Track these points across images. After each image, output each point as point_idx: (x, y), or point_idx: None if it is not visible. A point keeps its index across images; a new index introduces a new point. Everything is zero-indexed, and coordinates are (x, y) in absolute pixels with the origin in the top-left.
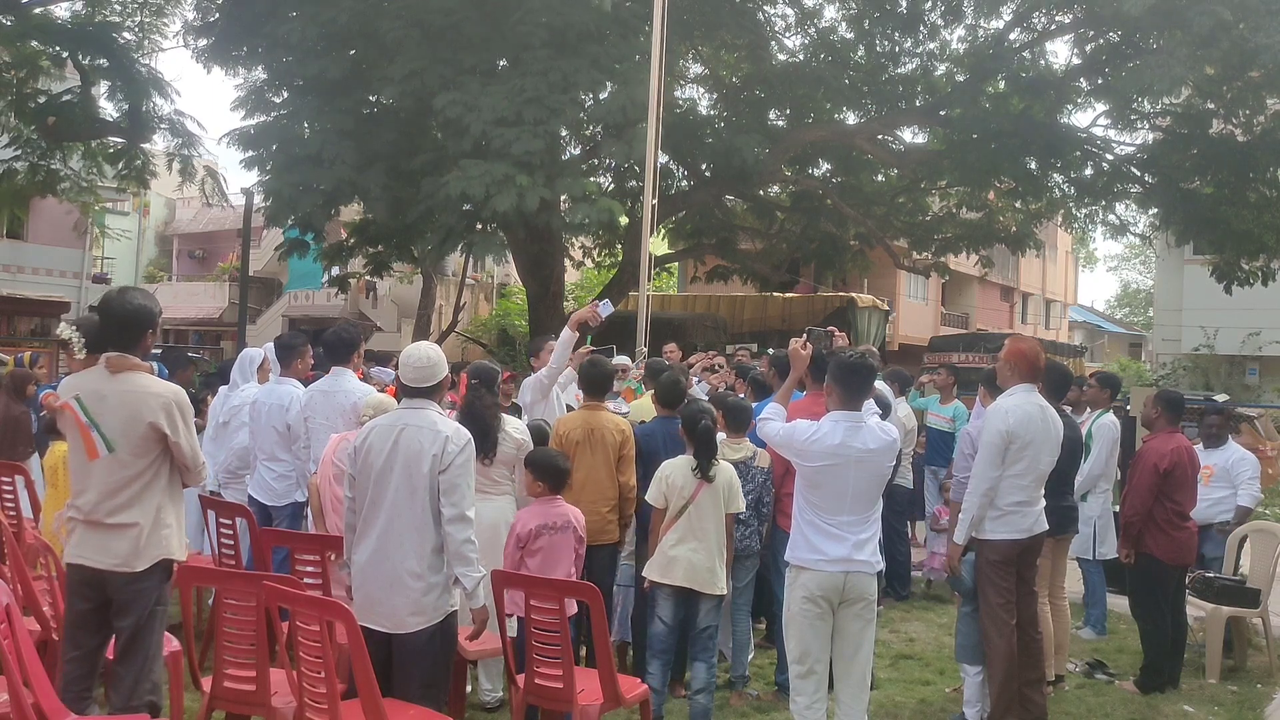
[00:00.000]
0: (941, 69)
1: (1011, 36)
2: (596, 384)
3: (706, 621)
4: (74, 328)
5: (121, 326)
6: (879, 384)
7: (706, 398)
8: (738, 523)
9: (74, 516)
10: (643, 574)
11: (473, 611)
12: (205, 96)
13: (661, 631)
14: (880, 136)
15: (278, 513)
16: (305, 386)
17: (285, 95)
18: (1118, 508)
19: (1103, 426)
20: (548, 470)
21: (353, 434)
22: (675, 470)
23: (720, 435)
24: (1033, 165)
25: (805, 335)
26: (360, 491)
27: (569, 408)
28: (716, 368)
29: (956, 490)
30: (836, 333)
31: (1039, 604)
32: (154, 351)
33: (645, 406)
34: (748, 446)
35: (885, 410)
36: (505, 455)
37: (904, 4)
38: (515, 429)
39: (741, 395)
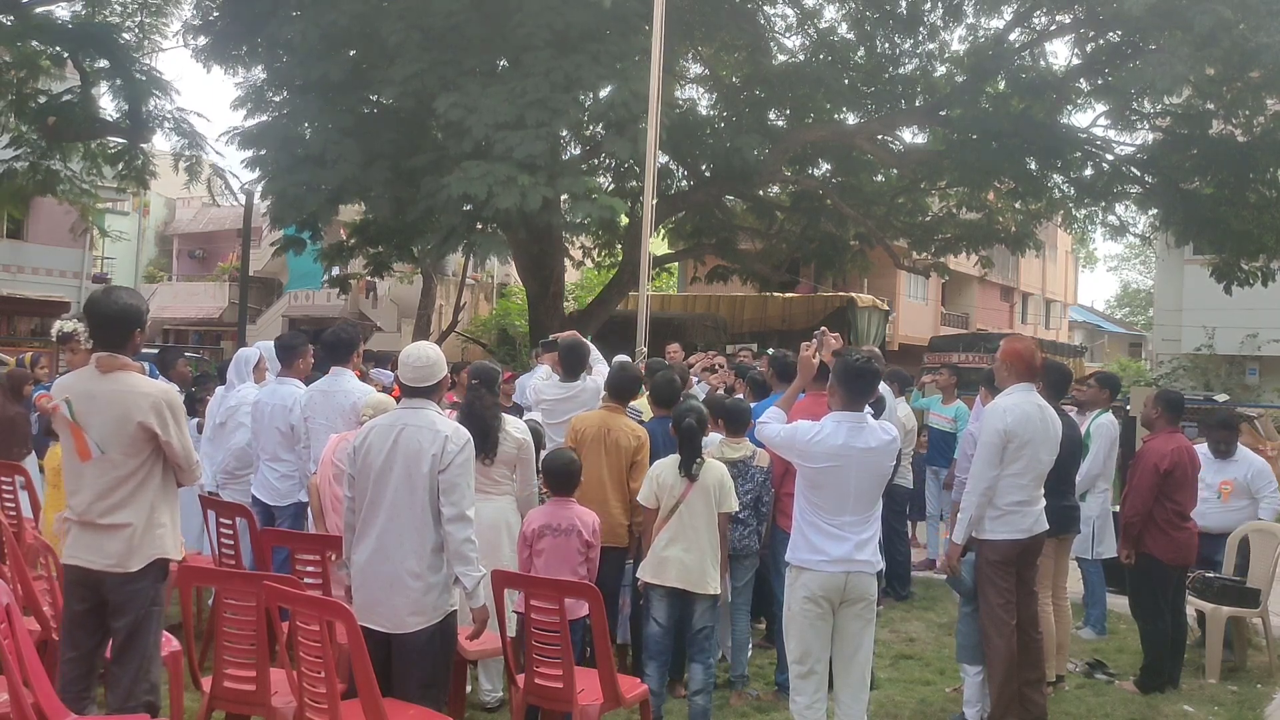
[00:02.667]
0: (941, 69)
1: (1011, 37)
2: (623, 388)
3: (702, 622)
4: (78, 320)
5: (108, 326)
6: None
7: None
8: (737, 522)
9: (69, 517)
10: (637, 575)
11: (473, 611)
12: (205, 97)
13: (657, 633)
14: (880, 137)
15: (281, 512)
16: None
17: (285, 95)
18: (1117, 508)
19: (1101, 426)
20: (550, 472)
21: (353, 434)
22: (665, 469)
23: (719, 436)
24: (1033, 165)
25: (814, 342)
26: (360, 491)
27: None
28: (716, 368)
29: (958, 490)
30: (828, 332)
31: (1042, 604)
32: (150, 351)
33: (643, 407)
34: (747, 446)
35: (879, 409)
36: (505, 455)
37: (904, 4)
38: (516, 429)
39: (740, 395)
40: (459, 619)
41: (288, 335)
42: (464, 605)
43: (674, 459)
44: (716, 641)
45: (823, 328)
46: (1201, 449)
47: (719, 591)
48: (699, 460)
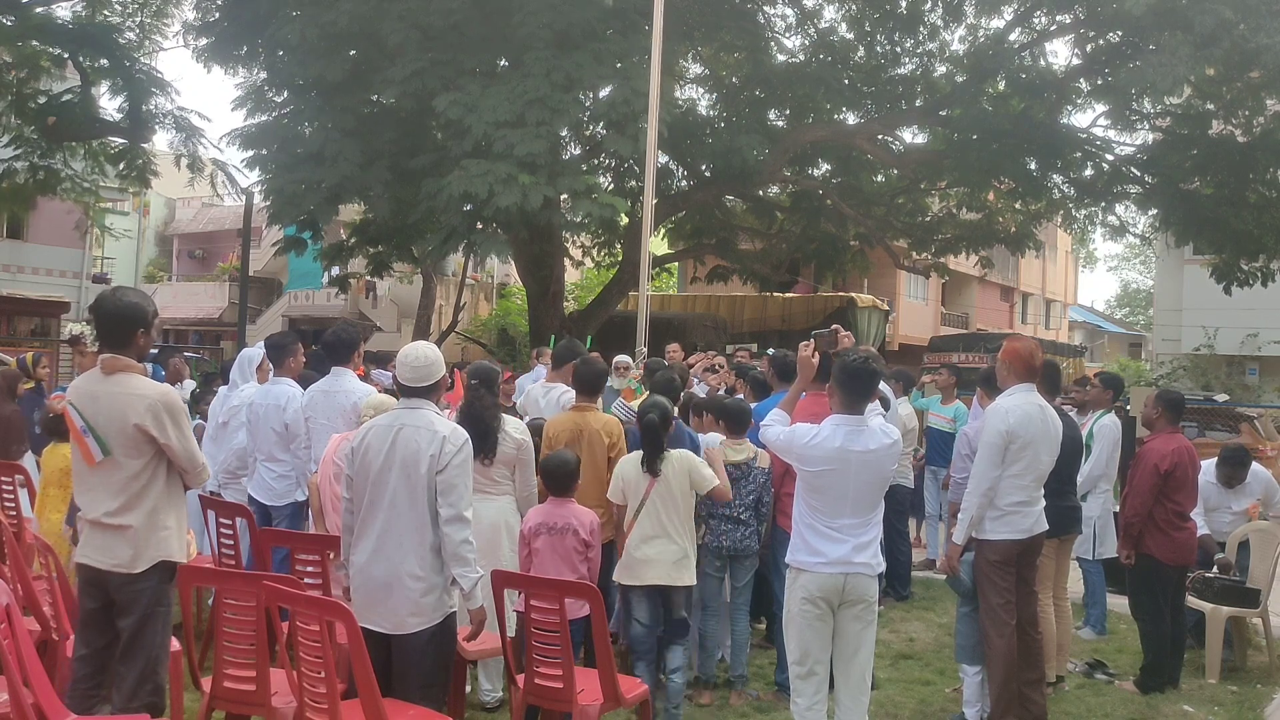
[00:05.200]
0: (941, 69)
1: (1011, 37)
2: (588, 383)
3: (680, 611)
4: (85, 322)
5: (110, 325)
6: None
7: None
8: (738, 523)
9: (81, 517)
10: (614, 578)
11: (470, 612)
12: (206, 96)
13: (641, 633)
14: (880, 137)
15: (277, 512)
16: (300, 385)
17: (286, 95)
18: (1117, 508)
19: (1104, 427)
20: (545, 471)
21: (353, 434)
22: (628, 466)
23: (720, 437)
24: (1033, 165)
25: (812, 343)
26: (358, 492)
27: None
28: (716, 368)
29: (955, 491)
30: (842, 332)
31: (1042, 604)
32: (151, 352)
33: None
34: (749, 447)
35: (884, 408)
36: (505, 455)
37: (904, 4)
38: (515, 429)
39: (741, 395)
40: (458, 619)
41: (277, 335)
42: (462, 606)
43: (637, 456)
44: (714, 637)
45: (835, 325)
46: (1208, 473)
47: (694, 582)
48: (661, 456)
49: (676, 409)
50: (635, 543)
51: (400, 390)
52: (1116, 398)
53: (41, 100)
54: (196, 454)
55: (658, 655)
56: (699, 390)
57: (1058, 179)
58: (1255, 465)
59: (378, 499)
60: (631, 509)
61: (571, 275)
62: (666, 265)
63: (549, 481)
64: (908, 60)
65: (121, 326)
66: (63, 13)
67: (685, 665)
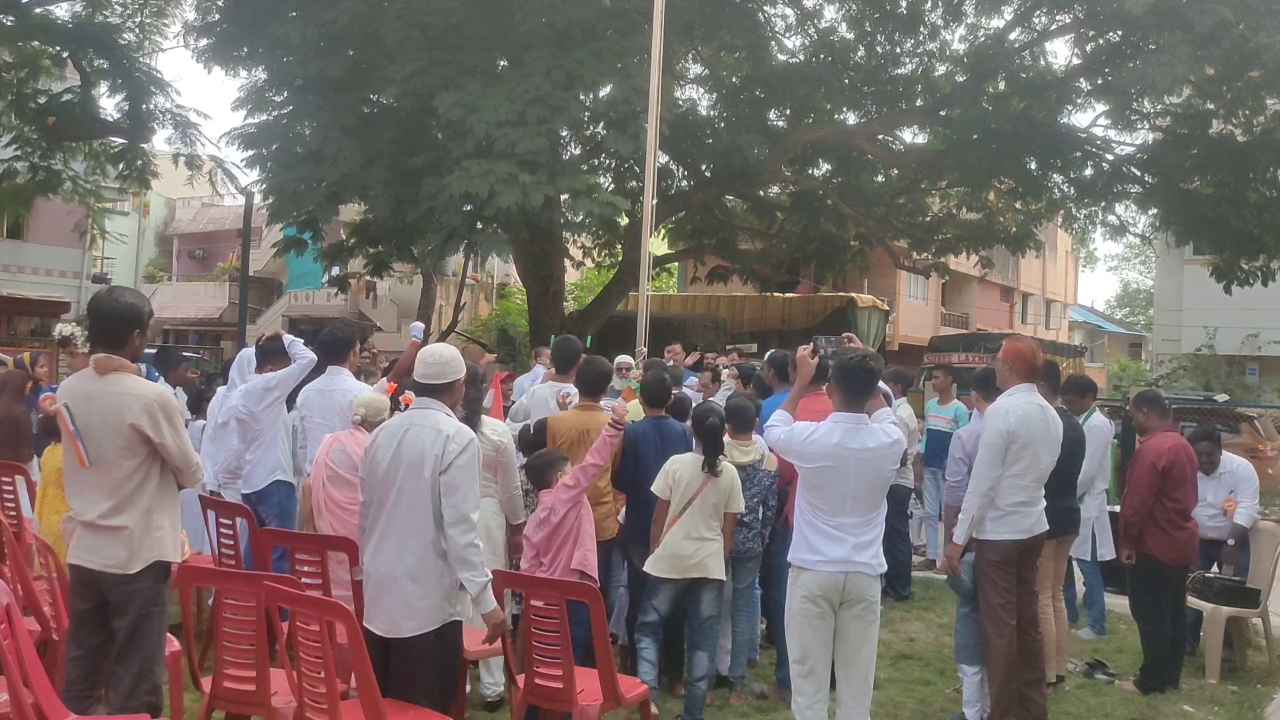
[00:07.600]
0: (941, 69)
1: (1011, 36)
2: (592, 383)
3: (709, 610)
4: (76, 323)
5: (105, 325)
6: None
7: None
8: (741, 525)
9: (72, 517)
10: (644, 568)
11: (484, 616)
12: (206, 97)
13: (655, 620)
14: (880, 137)
15: (264, 497)
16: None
17: (286, 95)
18: (1114, 508)
19: (1095, 428)
20: (527, 470)
21: (345, 435)
22: (683, 466)
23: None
24: (1033, 165)
25: (812, 345)
26: (369, 494)
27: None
28: (721, 374)
29: (950, 492)
30: (854, 338)
31: (1042, 605)
32: (149, 350)
33: (635, 406)
34: (755, 450)
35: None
36: (484, 458)
37: (904, 4)
38: (492, 430)
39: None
40: (473, 624)
41: (269, 344)
42: (475, 610)
43: (692, 456)
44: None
45: (848, 334)
46: None
47: (725, 578)
48: (720, 458)
49: (667, 411)
50: (677, 538)
51: (415, 389)
52: (1094, 396)
53: (41, 100)
54: (191, 453)
55: (678, 669)
56: (691, 393)
57: (1058, 179)
58: (1230, 455)
59: (384, 500)
60: (677, 505)
61: (571, 275)
62: (666, 265)
63: (531, 478)
64: (908, 60)
65: (117, 327)
66: (62, 13)
67: (710, 674)
